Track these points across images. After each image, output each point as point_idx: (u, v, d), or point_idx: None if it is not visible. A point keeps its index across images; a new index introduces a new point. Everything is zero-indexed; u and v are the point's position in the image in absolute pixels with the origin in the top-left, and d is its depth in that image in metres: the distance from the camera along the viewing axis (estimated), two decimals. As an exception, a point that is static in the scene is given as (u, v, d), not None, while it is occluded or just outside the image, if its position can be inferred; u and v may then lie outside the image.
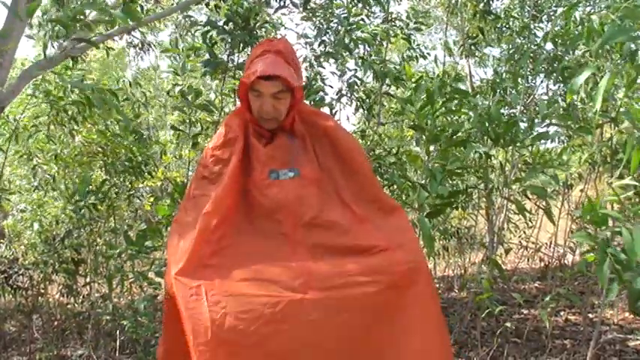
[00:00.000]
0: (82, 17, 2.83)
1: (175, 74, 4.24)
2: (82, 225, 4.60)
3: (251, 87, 2.02)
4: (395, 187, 4.40)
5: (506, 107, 4.27)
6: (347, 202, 2.05)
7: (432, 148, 3.41)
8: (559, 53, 4.74)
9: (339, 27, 4.82)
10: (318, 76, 4.96)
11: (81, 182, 4.26)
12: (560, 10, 4.54)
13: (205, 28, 4.04)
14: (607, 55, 3.58)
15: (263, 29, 4.33)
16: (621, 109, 2.79)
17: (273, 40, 2.17)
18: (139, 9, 5.36)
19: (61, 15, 2.69)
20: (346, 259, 1.92)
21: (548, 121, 3.60)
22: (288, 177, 2.02)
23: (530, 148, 3.74)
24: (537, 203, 5.05)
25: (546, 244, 6.02)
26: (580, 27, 4.31)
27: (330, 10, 5.03)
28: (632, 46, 2.77)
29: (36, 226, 4.85)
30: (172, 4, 5.34)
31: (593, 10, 4.43)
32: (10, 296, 4.99)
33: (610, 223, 2.66)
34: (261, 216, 2.01)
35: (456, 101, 3.48)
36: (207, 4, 4.87)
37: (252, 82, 1.99)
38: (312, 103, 4.25)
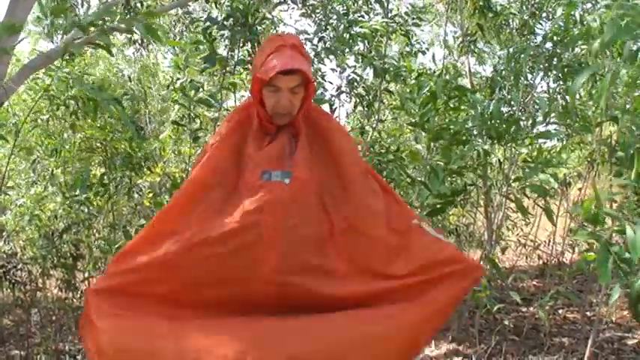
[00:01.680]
0: (99, 23, 2.81)
1: (177, 68, 4.24)
2: (81, 220, 4.59)
3: (268, 83, 1.96)
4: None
5: (506, 105, 4.27)
6: (329, 212, 2.02)
7: (432, 145, 3.42)
8: (558, 51, 4.74)
9: (339, 23, 4.82)
10: (318, 73, 4.96)
11: (78, 177, 4.26)
12: (559, 9, 4.53)
13: (205, 24, 4.04)
14: (607, 54, 3.58)
15: (263, 25, 4.32)
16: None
17: (282, 35, 2.11)
18: (138, 5, 5.37)
19: (80, 19, 2.67)
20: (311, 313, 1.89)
21: (548, 120, 3.61)
22: (279, 178, 1.97)
23: (530, 146, 3.75)
24: (536, 202, 5.06)
25: (545, 242, 6.04)
26: (579, 26, 4.32)
27: (329, 7, 5.02)
28: (633, 47, 2.77)
29: (26, 218, 4.84)
30: (172, 1, 5.33)
31: (592, 9, 4.43)
32: (9, 291, 4.99)
33: (609, 222, 2.67)
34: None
35: (455, 99, 3.48)
36: (206, 0, 4.87)
37: (271, 79, 1.93)
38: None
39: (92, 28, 2.90)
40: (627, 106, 3.17)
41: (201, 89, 4.17)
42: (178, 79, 4.29)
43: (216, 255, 1.90)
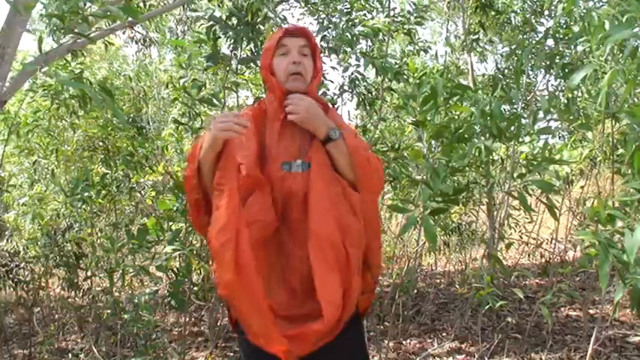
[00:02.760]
0: (79, 12, 2.80)
1: (180, 67, 4.24)
2: (83, 219, 4.60)
3: (277, 48, 2.08)
4: (394, 183, 4.41)
5: (507, 103, 4.26)
6: None
7: (433, 143, 3.41)
8: (560, 49, 4.73)
9: (341, 22, 4.80)
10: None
11: (78, 176, 4.27)
12: (560, 5, 4.53)
13: (209, 23, 4.04)
14: (609, 52, 3.57)
15: (266, 25, 4.31)
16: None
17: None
18: (141, 4, 5.36)
19: (58, 7, 2.68)
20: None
21: (549, 117, 3.60)
22: (300, 169, 2.01)
23: (533, 143, 3.74)
24: (539, 199, 5.06)
25: (547, 239, 6.03)
26: (580, 23, 4.30)
27: (331, 5, 5.01)
28: (634, 43, 2.76)
29: (29, 217, 4.85)
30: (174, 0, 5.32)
31: (593, 6, 4.42)
32: (11, 289, 5.00)
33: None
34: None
35: (457, 96, 3.47)
36: (209, -1, 4.85)
37: (279, 39, 2.06)
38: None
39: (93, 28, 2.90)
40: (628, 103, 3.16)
41: (203, 88, 4.17)
42: (180, 77, 4.29)
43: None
